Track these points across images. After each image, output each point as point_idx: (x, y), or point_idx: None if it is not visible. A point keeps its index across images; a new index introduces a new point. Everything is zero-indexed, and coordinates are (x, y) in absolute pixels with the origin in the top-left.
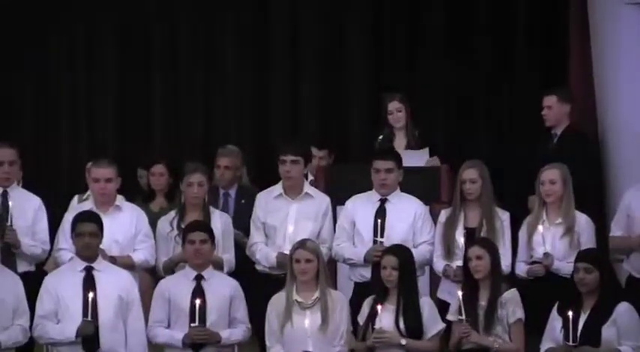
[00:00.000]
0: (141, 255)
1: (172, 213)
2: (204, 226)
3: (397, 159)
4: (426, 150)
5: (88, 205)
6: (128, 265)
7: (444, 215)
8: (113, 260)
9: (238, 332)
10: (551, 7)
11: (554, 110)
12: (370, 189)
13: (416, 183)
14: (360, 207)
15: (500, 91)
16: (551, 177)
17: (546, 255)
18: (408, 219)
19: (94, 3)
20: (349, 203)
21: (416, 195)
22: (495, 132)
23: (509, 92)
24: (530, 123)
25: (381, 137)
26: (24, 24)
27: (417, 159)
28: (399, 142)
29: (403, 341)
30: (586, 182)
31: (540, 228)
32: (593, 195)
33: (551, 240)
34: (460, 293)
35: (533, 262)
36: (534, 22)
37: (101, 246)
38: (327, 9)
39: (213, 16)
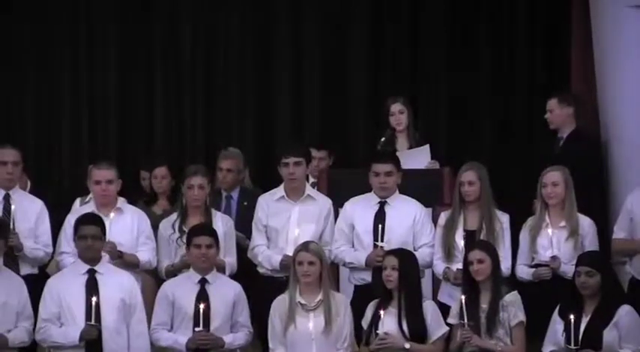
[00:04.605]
0: (144, 255)
1: (174, 216)
2: (210, 230)
3: (396, 161)
4: (427, 147)
5: (89, 208)
6: (133, 263)
7: (443, 217)
8: (120, 253)
9: (241, 336)
10: (553, 8)
11: (555, 113)
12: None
13: (418, 186)
14: (359, 210)
15: (502, 94)
16: (554, 180)
17: (554, 258)
18: (407, 221)
19: (95, 3)
20: (348, 205)
21: (418, 197)
22: (497, 134)
23: (512, 94)
24: (533, 125)
25: (383, 139)
26: (24, 24)
27: (418, 157)
28: (401, 144)
29: (407, 345)
30: (591, 185)
31: (549, 231)
32: (597, 198)
33: (557, 242)
34: (463, 297)
35: (537, 265)
36: (536, 23)
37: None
38: (329, 11)
39: (215, 17)
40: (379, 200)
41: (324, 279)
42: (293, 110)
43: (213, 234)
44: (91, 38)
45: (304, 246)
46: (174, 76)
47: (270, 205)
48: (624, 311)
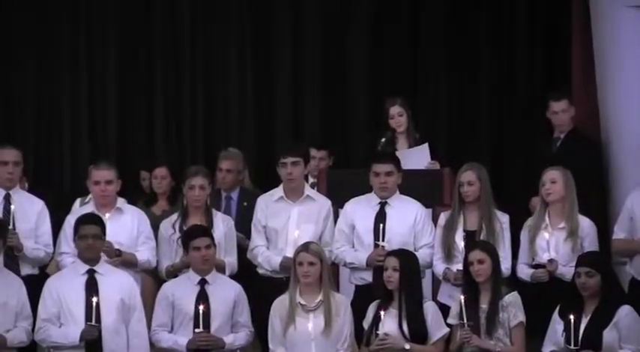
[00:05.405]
0: (143, 255)
1: (175, 216)
2: (206, 230)
3: (396, 162)
4: (426, 146)
5: (89, 208)
6: (132, 262)
7: (443, 218)
8: (119, 252)
9: (242, 336)
10: (553, 8)
11: (568, 114)
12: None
13: (418, 186)
14: (360, 210)
15: (502, 94)
16: (552, 177)
17: (551, 261)
18: (408, 222)
19: (95, 3)
20: (348, 206)
21: (418, 198)
22: (497, 134)
23: (512, 94)
24: (532, 125)
25: (383, 139)
26: (25, 24)
27: (418, 156)
28: (402, 145)
29: (407, 346)
30: (590, 185)
31: (546, 234)
32: (596, 198)
33: (555, 244)
34: (462, 297)
35: (537, 265)
36: (536, 23)
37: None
38: (329, 11)
39: (215, 18)
40: (380, 200)
41: (324, 280)
42: (293, 110)
43: (209, 234)
44: (91, 38)
45: (304, 247)
46: (174, 76)
47: (269, 206)
48: (624, 312)
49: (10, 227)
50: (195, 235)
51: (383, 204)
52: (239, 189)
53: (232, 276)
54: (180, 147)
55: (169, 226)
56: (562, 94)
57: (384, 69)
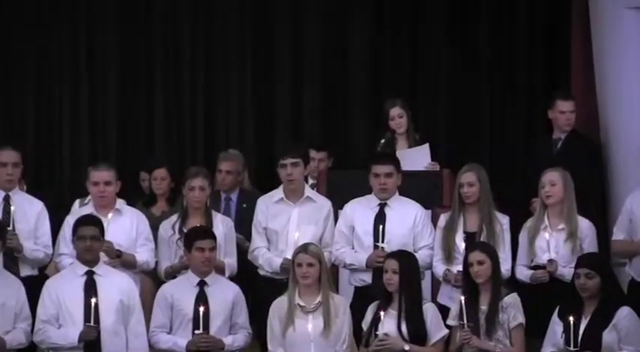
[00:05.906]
0: (142, 256)
1: (174, 217)
2: (211, 233)
3: (396, 163)
4: (427, 146)
5: (88, 209)
6: (131, 263)
7: (443, 219)
8: (119, 252)
9: (241, 337)
10: (553, 8)
11: (575, 114)
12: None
13: (418, 187)
14: (359, 212)
15: (502, 94)
16: (551, 179)
17: (550, 261)
18: (407, 223)
19: (95, 3)
20: (347, 207)
21: (418, 199)
22: (497, 134)
23: (512, 94)
24: (533, 126)
25: (383, 141)
26: (25, 24)
27: (418, 156)
28: (401, 146)
29: (406, 347)
30: (590, 186)
31: (545, 235)
32: (596, 199)
33: (555, 245)
34: (462, 298)
35: (536, 266)
36: (536, 23)
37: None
38: (329, 11)
39: (215, 19)
40: (379, 202)
41: (323, 281)
42: (293, 110)
43: (213, 236)
44: (91, 38)
45: (303, 248)
46: (175, 77)
47: (269, 207)
48: (623, 313)
49: (10, 228)
50: (200, 236)
51: (382, 206)
52: (238, 190)
53: (233, 278)
54: (181, 148)
55: (169, 227)
56: (569, 94)
57: (384, 69)
